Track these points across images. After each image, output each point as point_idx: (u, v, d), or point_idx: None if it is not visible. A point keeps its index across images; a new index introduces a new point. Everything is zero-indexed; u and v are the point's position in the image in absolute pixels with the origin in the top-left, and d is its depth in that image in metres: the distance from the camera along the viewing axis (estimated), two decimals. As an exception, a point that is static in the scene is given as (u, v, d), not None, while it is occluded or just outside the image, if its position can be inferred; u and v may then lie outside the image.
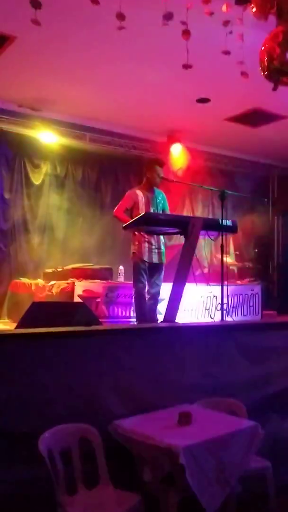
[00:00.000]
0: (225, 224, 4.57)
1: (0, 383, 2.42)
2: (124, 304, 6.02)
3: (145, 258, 5.17)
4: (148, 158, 7.07)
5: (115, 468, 2.52)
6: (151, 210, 5.22)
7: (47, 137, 7.15)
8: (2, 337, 2.69)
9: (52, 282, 6.28)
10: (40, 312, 3.62)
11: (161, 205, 5.41)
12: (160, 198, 5.43)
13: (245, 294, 6.87)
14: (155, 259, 5.22)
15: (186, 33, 3.32)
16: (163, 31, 3.42)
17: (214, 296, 5.84)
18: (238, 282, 7.46)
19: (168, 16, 3.19)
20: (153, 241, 5.20)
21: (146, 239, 5.18)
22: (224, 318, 4.54)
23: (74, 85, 6.21)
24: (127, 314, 5.97)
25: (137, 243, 5.21)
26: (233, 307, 6.53)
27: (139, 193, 5.32)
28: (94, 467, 2.49)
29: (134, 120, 7.43)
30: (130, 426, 2.53)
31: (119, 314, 5.99)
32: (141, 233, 5.14)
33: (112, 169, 8.23)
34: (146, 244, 5.18)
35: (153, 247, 5.20)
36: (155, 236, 5.18)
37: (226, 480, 2.38)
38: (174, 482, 2.34)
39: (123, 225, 4.86)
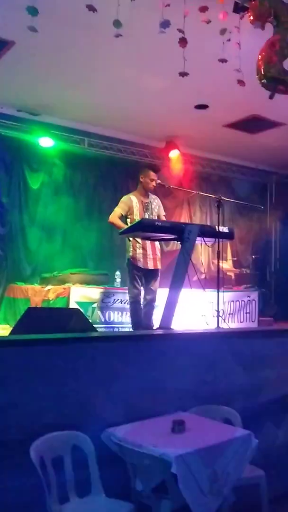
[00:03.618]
0: (221, 231, 4.57)
1: (-7, 389, 2.40)
2: (120, 310, 6.01)
3: (140, 264, 5.17)
4: (143, 164, 7.09)
5: (107, 476, 2.49)
6: (146, 216, 5.22)
7: (46, 142, 7.16)
8: (-5, 343, 2.68)
9: (48, 287, 6.28)
10: (35, 318, 3.61)
11: (156, 210, 5.40)
12: (155, 203, 5.42)
13: (241, 301, 6.87)
14: (150, 265, 5.21)
15: (183, 41, 3.34)
16: (161, 38, 3.43)
17: (210, 302, 5.83)
18: (235, 288, 7.46)
19: (165, 24, 3.20)
20: (147, 248, 5.20)
21: (141, 246, 5.17)
22: (220, 325, 4.53)
23: (73, 90, 6.22)
24: (123, 320, 5.96)
25: (131, 249, 5.20)
26: (229, 314, 6.53)
27: (134, 199, 5.32)
28: (86, 476, 2.46)
29: (133, 126, 7.46)
30: (123, 434, 2.51)
31: (115, 319, 5.99)
32: (136, 239, 5.13)
33: (110, 174, 8.24)
34: (141, 251, 5.17)
35: (148, 253, 5.19)
36: (149, 242, 5.17)
37: (219, 489, 2.36)
38: (166, 491, 2.33)
39: (120, 231, 4.86)
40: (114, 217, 5.25)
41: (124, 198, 5.39)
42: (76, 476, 2.45)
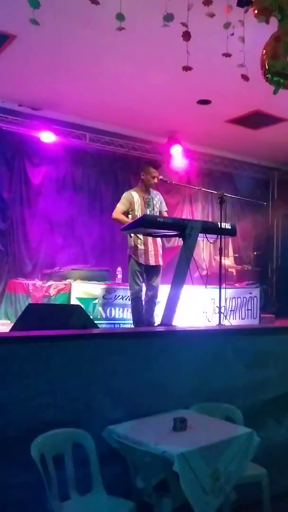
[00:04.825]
0: (223, 227, 4.54)
1: (-7, 386, 2.39)
2: (122, 306, 6.00)
3: (141, 260, 5.14)
4: (145, 159, 7.06)
5: (108, 474, 2.48)
6: (147, 212, 5.19)
7: (47, 137, 7.13)
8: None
9: (49, 283, 6.26)
10: (36, 314, 3.60)
11: (158, 206, 5.37)
12: (157, 199, 5.40)
13: (243, 297, 6.85)
14: (151, 261, 5.18)
15: (187, 34, 3.29)
16: (164, 32, 3.39)
17: (212, 299, 5.81)
18: (237, 285, 7.43)
19: (169, 17, 3.16)
20: (149, 244, 5.17)
21: (142, 241, 5.14)
22: (221, 322, 4.51)
23: (75, 85, 6.19)
24: (125, 316, 5.95)
25: (133, 245, 5.18)
26: (231, 311, 6.51)
27: (135, 195, 5.30)
28: (87, 473, 2.45)
29: (135, 121, 7.42)
30: (124, 431, 2.49)
31: (117, 316, 5.97)
32: (137, 235, 5.10)
33: (112, 169, 8.21)
34: (142, 247, 5.14)
35: (149, 249, 5.17)
36: (151, 238, 5.15)
37: (221, 488, 2.34)
38: (168, 489, 2.31)
39: (121, 228, 4.83)
40: (118, 213, 5.23)
41: (126, 194, 5.37)
42: (77, 473, 2.43)
